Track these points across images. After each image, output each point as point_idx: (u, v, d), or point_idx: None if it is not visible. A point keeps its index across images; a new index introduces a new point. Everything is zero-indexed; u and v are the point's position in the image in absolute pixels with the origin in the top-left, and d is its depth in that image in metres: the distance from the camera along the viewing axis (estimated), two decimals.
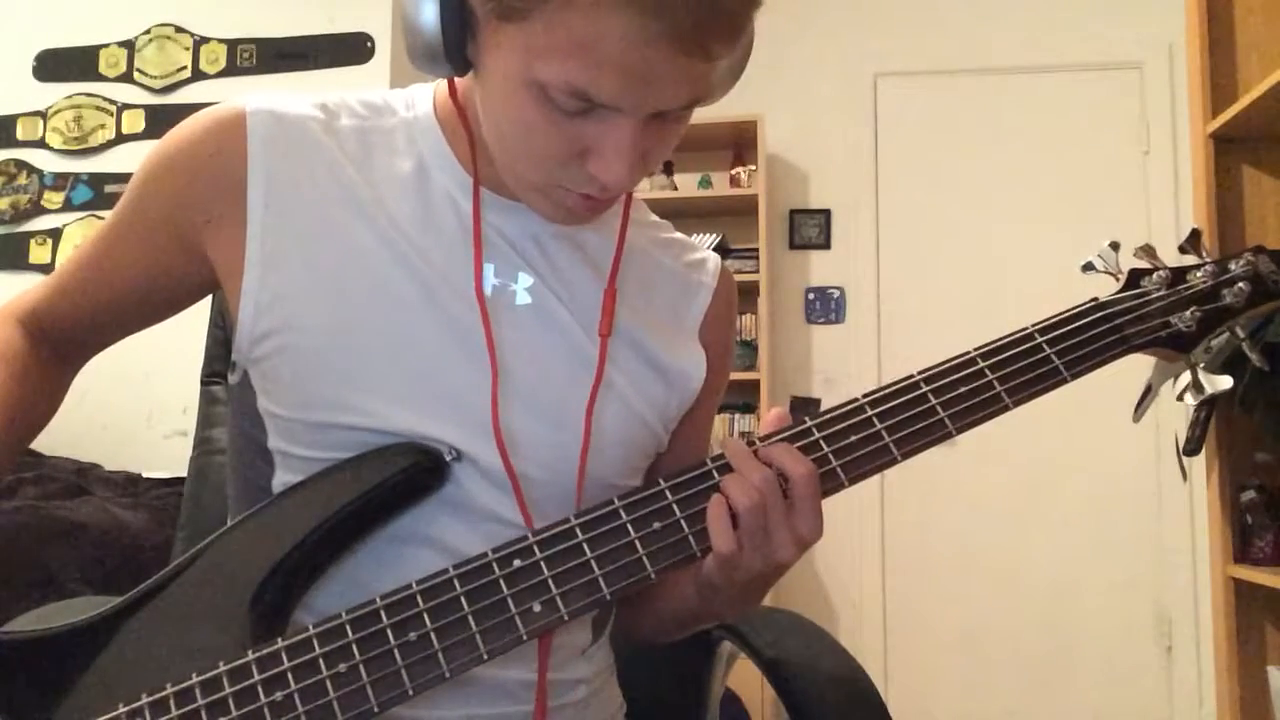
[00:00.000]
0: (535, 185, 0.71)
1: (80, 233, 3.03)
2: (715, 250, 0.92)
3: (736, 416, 3.43)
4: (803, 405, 3.49)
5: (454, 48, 0.66)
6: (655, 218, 0.91)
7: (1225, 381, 0.75)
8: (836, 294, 3.54)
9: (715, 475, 0.69)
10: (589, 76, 0.61)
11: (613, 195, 0.71)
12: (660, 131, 0.67)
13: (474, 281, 0.75)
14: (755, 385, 3.33)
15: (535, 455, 0.75)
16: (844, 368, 3.47)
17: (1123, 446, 3.22)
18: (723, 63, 0.66)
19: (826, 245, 3.56)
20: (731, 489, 0.66)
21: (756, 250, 3.36)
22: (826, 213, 3.57)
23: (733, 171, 3.47)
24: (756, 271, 3.34)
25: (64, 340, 0.84)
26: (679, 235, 0.91)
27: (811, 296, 3.55)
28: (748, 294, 3.32)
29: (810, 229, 3.58)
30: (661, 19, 0.58)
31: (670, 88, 0.63)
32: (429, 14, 0.65)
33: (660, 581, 0.80)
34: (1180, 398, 0.78)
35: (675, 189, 3.47)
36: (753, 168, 3.41)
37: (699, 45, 0.61)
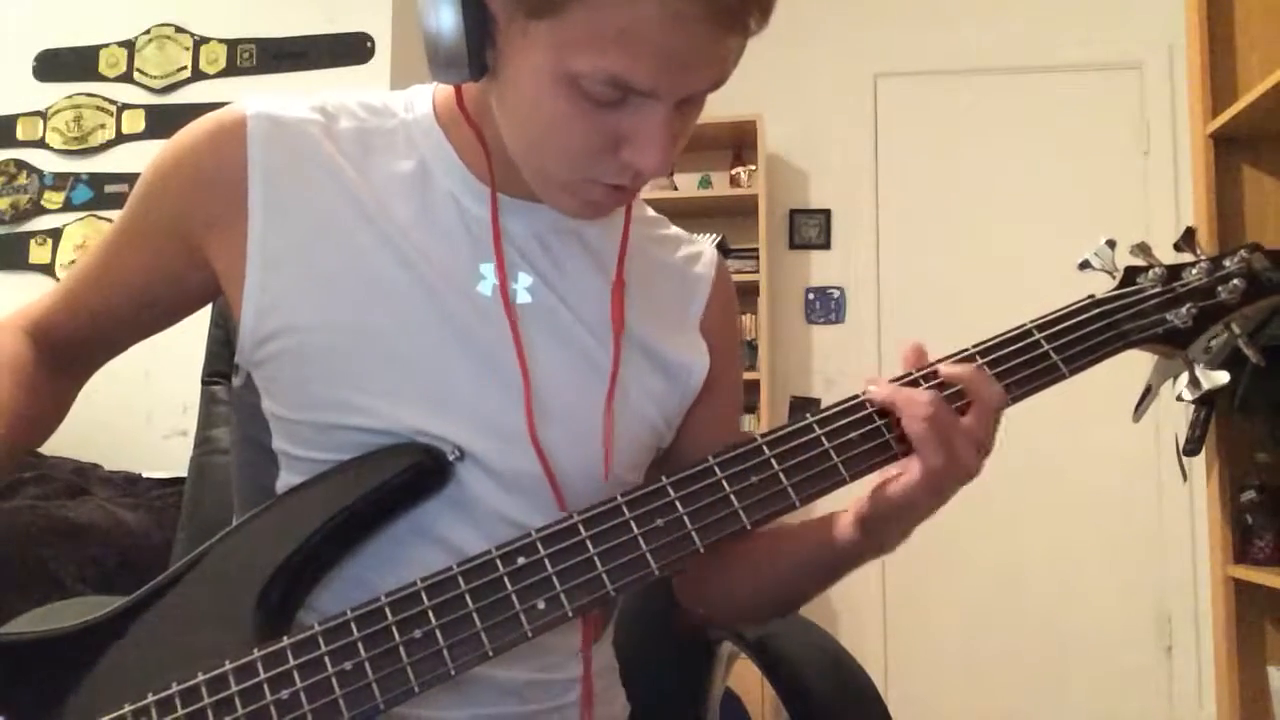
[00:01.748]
0: (563, 182, 0.71)
1: (80, 233, 3.03)
2: (715, 250, 0.93)
3: None
4: (803, 405, 3.49)
5: (476, 53, 0.67)
6: (651, 213, 0.91)
7: (1222, 377, 0.76)
8: (836, 294, 3.54)
9: (717, 472, 0.69)
10: (627, 65, 0.62)
11: (643, 183, 0.72)
12: (685, 116, 0.68)
13: (500, 289, 0.76)
14: (755, 385, 3.33)
15: (550, 455, 0.75)
16: (844, 368, 3.47)
17: (1123, 446, 3.22)
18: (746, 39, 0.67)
19: (826, 245, 3.56)
20: (911, 408, 0.68)
21: (756, 250, 3.36)
22: (826, 213, 3.57)
23: (733, 171, 3.47)
24: (756, 271, 3.34)
25: (70, 350, 0.84)
26: (674, 230, 0.91)
27: (811, 296, 3.55)
28: (748, 294, 3.32)
29: (810, 229, 3.58)
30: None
31: (704, 69, 0.64)
32: (451, 21, 0.65)
33: (782, 539, 0.80)
34: (1178, 395, 0.78)
35: (675, 189, 3.47)
36: (753, 168, 3.41)
37: (738, 19, 0.62)
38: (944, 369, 0.72)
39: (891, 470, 0.71)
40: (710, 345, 0.86)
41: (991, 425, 0.70)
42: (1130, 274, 0.80)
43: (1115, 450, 3.24)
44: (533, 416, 0.73)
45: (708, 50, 0.63)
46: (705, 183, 3.52)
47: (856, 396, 0.72)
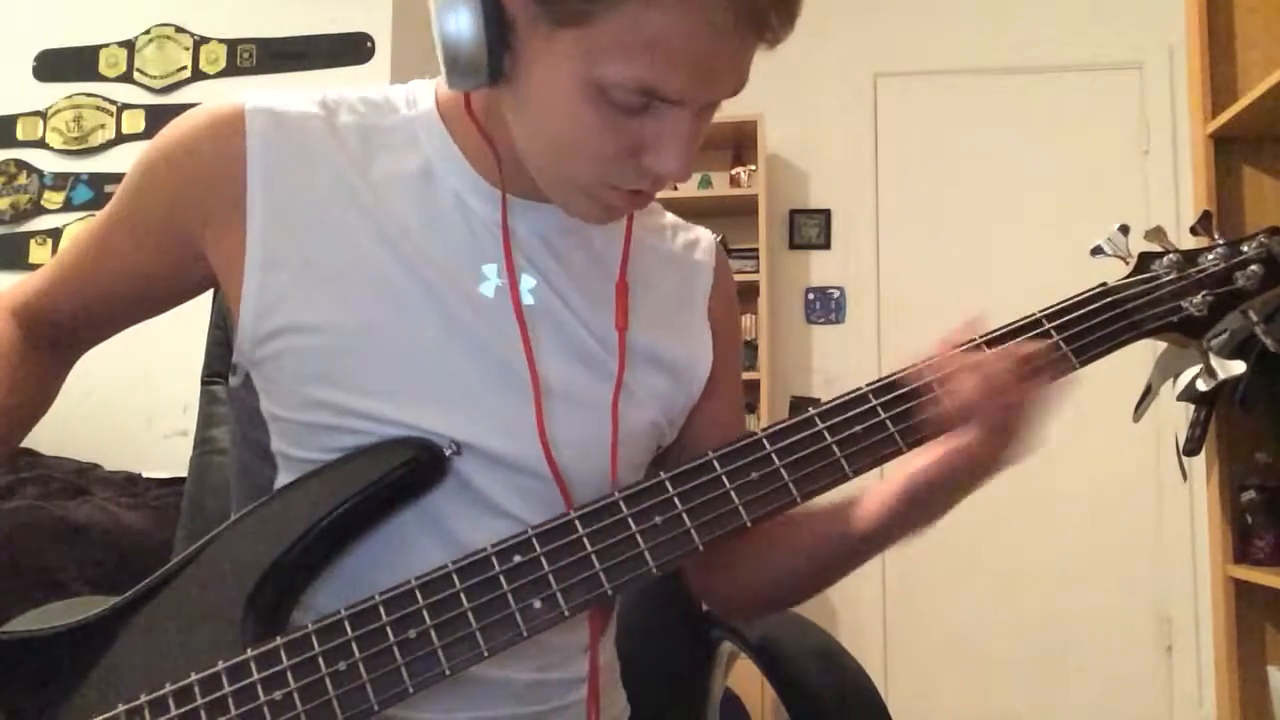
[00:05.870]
0: (583, 187, 0.71)
1: None
2: (712, 236, 0.92)
3: None
4: (803, 405, 3.49)
5: (495, 60, 0.66)
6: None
7: (1238, 366, 0.74)
8: (836, 294, 3.53)
9: (716, 467, 0.68)
10: (657, 74, 0.62)
11: (662, 187, 0.72)
12: (703, 121, 0.69)
13: (510, 291, 0.75)
14: (755, 385, 3.33)
15: (556, 457, 0.74)
16: (844, 368, 3.47)
17: (1123, 446, 3.22)
18: None
19: (826, 245, 3.56)
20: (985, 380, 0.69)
21: (756, 250, 3.35)
22: (826, 213, 3.57)
23: (733, 171, 3.47)
24: (756, 271, 3.33)
25: (58, 333, 0.83)
26: (670, 218, 0.90)
27: (811, 296, 3.55)
28: (748, 294, 3.32)
29: (810, 229, 3.58)
30: (740, 5, 0.60)
31: (730, 76, 0.65)
32: (470, 28, 0.65)
33: (793, 527, 0.78)
34: (1191, 384, 0.77)
35: (675, 189, 3.46)
36: (753, 168, 3.41)
37: (769, 25, 0.63)
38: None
39: (951, 440, 0.71)
40: (714, 332, 0.86)
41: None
42: (1145, 260, 0.77)
43: (1115, 450, 3.24)
44: (542, 419, 0.73)
45: (735, 57, 0.64)
46: (705, 183, 3.52)
47: (859, 389, 0.71)
